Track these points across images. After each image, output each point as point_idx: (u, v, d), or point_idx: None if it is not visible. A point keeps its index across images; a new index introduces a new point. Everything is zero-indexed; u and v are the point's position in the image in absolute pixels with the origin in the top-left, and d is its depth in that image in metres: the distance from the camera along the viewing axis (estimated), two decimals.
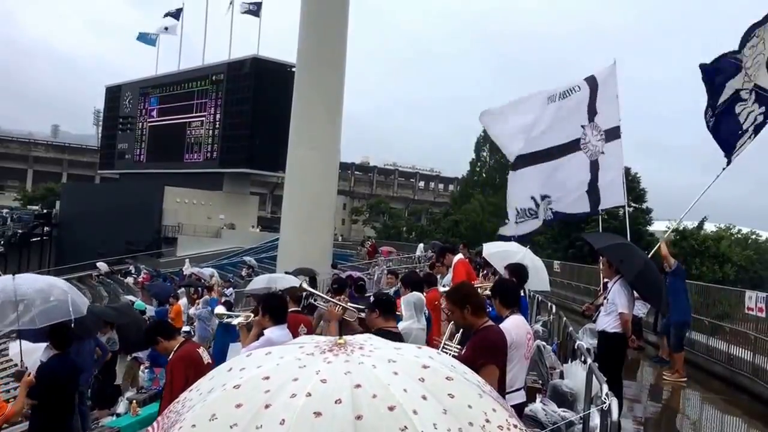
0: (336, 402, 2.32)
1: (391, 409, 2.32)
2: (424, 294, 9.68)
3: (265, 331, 7.99)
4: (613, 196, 14.49)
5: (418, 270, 22.58)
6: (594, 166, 14.17)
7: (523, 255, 12.70)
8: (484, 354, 5.88)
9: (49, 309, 9.23)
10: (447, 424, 2.32)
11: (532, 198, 14.22)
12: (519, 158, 14.38)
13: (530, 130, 14.31)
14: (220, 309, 13.29)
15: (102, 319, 12.90)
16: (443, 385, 2.49)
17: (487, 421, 2.42)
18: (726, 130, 12.48)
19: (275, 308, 8.16)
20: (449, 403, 2.41)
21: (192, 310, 20.25)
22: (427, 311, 9.28)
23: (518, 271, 9.52)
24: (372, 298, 7.93)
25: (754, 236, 62.65)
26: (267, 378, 2.47)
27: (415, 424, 2.29)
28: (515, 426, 2.50)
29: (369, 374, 2.46)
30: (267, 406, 2.34)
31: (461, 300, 6.12)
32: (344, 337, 2.76)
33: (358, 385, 2.39)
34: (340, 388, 2.38)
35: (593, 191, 14.15)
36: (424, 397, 2.39)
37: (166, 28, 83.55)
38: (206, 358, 7.51)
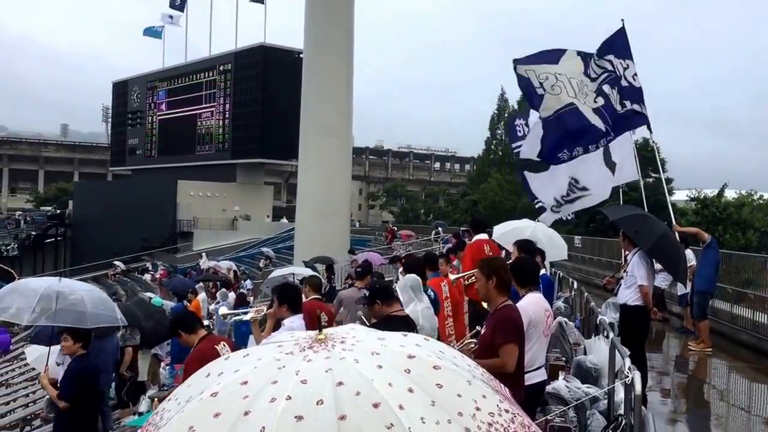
0: (318, 403, 2.24)
1: (375, 406, 2.24)
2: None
3: (285, 321, 7.97)
4: (626, 172, 14.49)
5: (436, 252, 22.46)
6: (606, 152, 14.28)
7: (533, 229, 12.58)
8: (504, 334, 5.89)
9: (99, 314, 9.25)
10: (435, 417, 2.25)
11: (570, 183, 14.42)
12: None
13: None
14: (223, 309, 13.20)
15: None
16: (430, 375, 2.41)
17: (477, 409, 2.35)
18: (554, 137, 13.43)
19: (292, 298, 8.15)
20: (437, 394, 2.33)
21: (212, 306, 20.19)
22: (433, 293, 9.15)
23: (526, 248, 9.34)
24: (366, 292, 7.82)
25: None
26: (245, 383, 2.38)
27: (401, 420, 2.21)
28: (507, 411, 2.43)
29: (351, 370, 2.38)
30: (246, 413, 2.25)
31: (490, 271, 6.18)
32: (325, 331, 2.65)
33: (340, 383, 2.31)
34: (321, 388, 2.29)
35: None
36: (410, 390, 2.32)
37: (171, 17, 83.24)
38: (226, 354, 7.33)
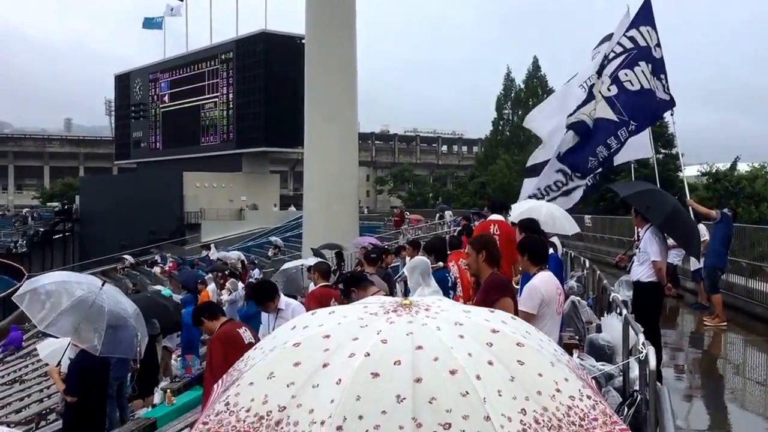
0: (395, 363, 2.28)
1: (452, 373, 2.26)
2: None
3: (281, 306, 8.63)
4: (638, 149, 14.34)
5: (446, 237, 22.35)
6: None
7: (548, 207, 12.51)
8: (495, 290, 6.34)
9: (114, 342, 9.11)
10: (513, 392, 2.26)
11: (560, 170, 14.20)
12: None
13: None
14: None
15: None
16: (512, 352, 2.41)
17: (558, 390, 2.34)
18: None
19: (265, 291, 8.85)
20: (517, 371, 2.33)
21: (225, 297, 20.13)
22: (452, 277, 9.06)
23: (529, 227, 9.21)
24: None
25: None
26: (327, 336, 2.48)
27: (477, 389, 2.22)
28: (588, 397, 2.41)
29: (432, 336, 2.40)
30: (325, 365, 2.35)
31: (480, 246, 6.71)
32: (410, 298, 2.69)
33: (420, 347, 2.34)
34: (401, 350, 2.33)
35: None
36: (490, 363, 2.33)
37: (172, 9, 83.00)
38: (247, 338, 7.66)
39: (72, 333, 9.02)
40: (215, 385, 2.75)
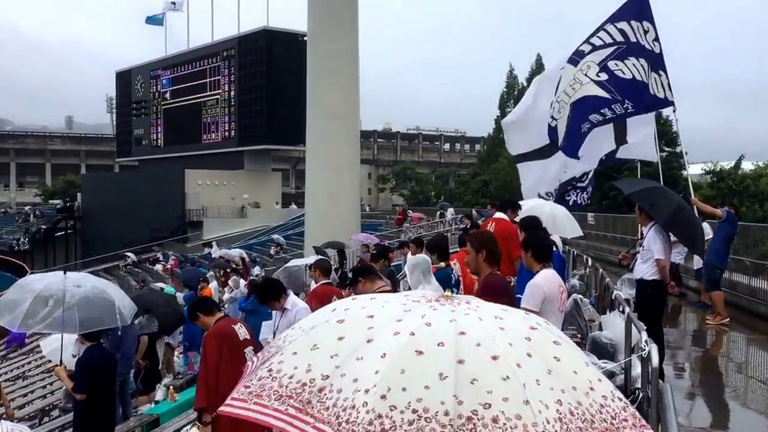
0: (439, 345, 2.38)
1: (494, 358, 2.36)
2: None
3: (287, 306, 8.57)
4: (644, 149, 14.27)
5: (448, 235, 22.34)
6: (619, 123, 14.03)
7: (551, 206, 12.49)
8: (490, 295, 6.08)
9: (92, 318, 9.04)
10: (550, 383, 2.34)
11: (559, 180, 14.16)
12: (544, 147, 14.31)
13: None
14: None
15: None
16: (549, 348, 2.52)
17: (591, 389, 2.43)
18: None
19: (271, 289, 8.67)
20: (554, 365, 2.43)
21: (226, 295, 20.14)
22: (455, 275, 9.02)
23: (530, 225, 9.17)
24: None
25: None
26: (371, 316, 2.61)
27: (518, 375, 2.32)
28: (620, 399, 2.51)
29: (474, 325, 2.51)
30: (369, 341, 2.47)
31: (480, 245, 6.62)
32: (448, 293, 2.81)
33: (463, 333, 2.44)
34: (444, 333, 2.43)
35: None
36: (529, 354, 2.42)
37: (174, 3, 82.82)
38: (242, 334, 7.68)
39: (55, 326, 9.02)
40: (248, 365, 2.86)
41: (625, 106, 12.84)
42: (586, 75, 12.98)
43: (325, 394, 2.40)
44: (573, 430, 2.28)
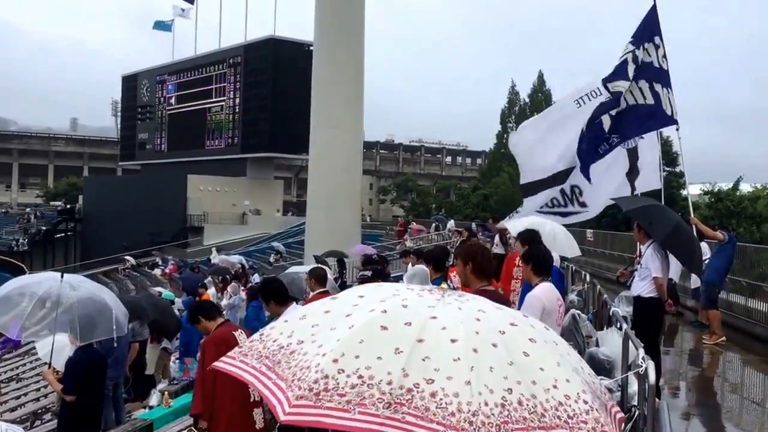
0: (406, 324, 2.58)
1: (453, 341, 2.51)
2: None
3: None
4: (649, 179, 14.16)
5: (448, 246, 22.38)
6: (632, 154, 13.82)
7: (552, 225, 12.36)
8: None
9: (90, 324, 9.06)
10: (506, 373, 2.46)
11: (561, 190, 13.88)
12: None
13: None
14: None
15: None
16: (522, 343, 2.64)
17: (554, 387, 2.51)
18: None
19: (275, 291, 8.32)
20: (519, 359, 2.54)
21: (224, 301, 20.17)
22: (452, 286, 9.04)
23: (530, 238, 9.18)
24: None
25: None
26: (362, 296, 2.90)
27: (469, 359, 2.46)
28: (585, 402, 2.55)
29: (450, 312, 2.69)
30: (348, 315, 2.72)
31: (466, 257, 6.40)
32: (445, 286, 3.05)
33: (434, 317, 2.63)
34: (416, 315, 2.64)
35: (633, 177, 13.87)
36: (494, 345, 2.55)
37: (183, 10, 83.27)
38: (243, 341, 7.47)
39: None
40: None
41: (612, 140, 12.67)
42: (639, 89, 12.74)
43: (293, 356, 2.64)
44: (516, 418, 2.37)
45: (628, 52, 12.68)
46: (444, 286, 3.01)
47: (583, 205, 13.87)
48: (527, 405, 2.40)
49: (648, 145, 13.84)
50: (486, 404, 2.35)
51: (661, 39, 12.79)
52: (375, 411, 2.34)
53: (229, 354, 2.96)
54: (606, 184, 13.69)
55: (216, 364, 2.97)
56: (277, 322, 3.05)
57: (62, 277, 9.45)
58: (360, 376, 2.42)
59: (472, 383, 2.39)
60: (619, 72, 12.71)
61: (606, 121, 12.55)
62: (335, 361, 2.47)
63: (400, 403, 2.34)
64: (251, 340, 2.92)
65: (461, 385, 2.38)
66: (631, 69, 12.51)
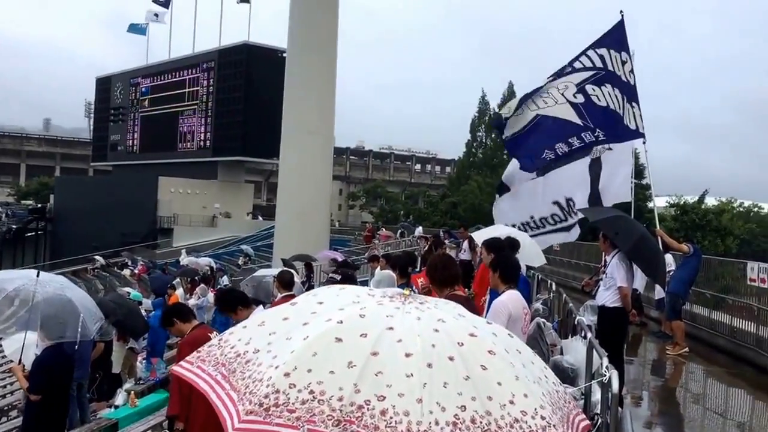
0: (361, 335, 2.54)
1: (407, 355, 2.47)
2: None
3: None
4: (619, 192, 14.25)
5: (416, 253, 22.44)
6: (595, 164, 13.89)
7: (517, 234, 12.41)
8: None
9: (56, 327, 9.01)
10: (461, 388, 2.43)
11: (556, 203, 13.86)
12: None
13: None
14: None
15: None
16: (480, 356, 2.59)
17: (511, 402, 2.48)
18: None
19: (236, 298, 8.41)
20: (476, 373, 2.51)
21: (192, 301, 20.09)
22: (416, 290, 9.06)
23: (495, 246, 9.25)
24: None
25: (756, 209, 62.63)
26: (321, 303, 2.84)
27: (422, 375, 2.42)
28: (543, 417, 2.52)
29: (407, 322, 2.64)
30: (305, 324, 2.68)
31: (428, 269, 6.61)
32: (407, 292, 2.95)
33: (391, 328, 2.59)
34: (372, 326, 2.60)
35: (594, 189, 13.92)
36: (450, 358, 2.52)
37: (156, 15, 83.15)
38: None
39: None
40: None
41: (596, 134, 12.64)
42: (563, 95, 12.78)
43: (248, 366, 2.60)
44: None
45: (589, 49, 12.90)
46: (407, 291, 2.83)
47: (576, 213, 13.93)
48: (480, 423, 2.37)
49: (618, 156, 13.95)
50: (437, 423, 2.32)
51: (629, 54, 12.92)
52: (324, 428, 2.32)
53: (187, 359, 2.92)
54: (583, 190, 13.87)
55: (174, 368, 2.98)
56: (237, 327, 2.96)
57: (38, 275, 9.41)
58: (311, 392, 2.39)
59: (424, 401, 2.35)
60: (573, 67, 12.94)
61: (567, 114, 12.67)
62: (287, 375, 2.44)
63: (350, 421, 2.32)
64: (210, 345, 2.88)
65: (412, 403, 2.35)
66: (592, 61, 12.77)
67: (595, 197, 13.75)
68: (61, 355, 9.06)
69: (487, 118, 69.82)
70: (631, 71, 12.97)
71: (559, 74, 13.14)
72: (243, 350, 2.71)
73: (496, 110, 69.75)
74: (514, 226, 13.67)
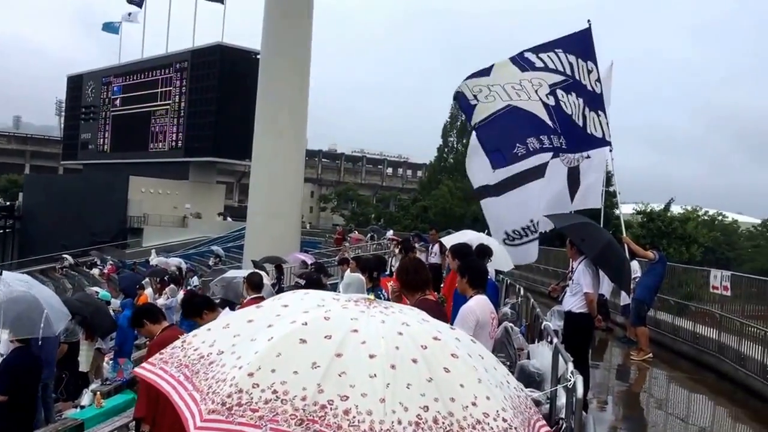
0: (326, 337, 2.55)
1: (371, 357, 2.49)
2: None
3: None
4: (590, 199, 14.33)
5: (386, 256, 22.51)
6: (573, 173, 13.98)
7: (487, 240, 12.51)
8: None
9: (19, 324, 8.98)
10: (424, 390, 2.45)
11: (531, 220, 13.79)
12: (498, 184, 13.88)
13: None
14: None
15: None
16: (443, 359, 2.61)
17: (473, 404, 2.49)
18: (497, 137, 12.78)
19: (201, 302, 8.42)
20: (439, 375, 2.52)
21: (161, 301, 19.99)
22: (384, 293, 9.15)
23: (462, 252, 9.33)
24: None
25: (720, 218, 63.49)
26: (286, 306, 2.85)
27: (386, 375, 2.45)
28: (504, 420, 2.53)
29: (372, 325, 2.66)
30: (269, 326, 2.68)
31: (398, 273, 6.60)
32: (371, 297, 2.99)
33: (355, 331, 2.60)
34: (337, 328, 2.61)
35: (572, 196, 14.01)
36: (414, 360, 2.53)
37: (129, 14, 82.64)
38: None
39: None
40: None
41: (560, 141, 12.56)
42: (536, 92, 12.55)
43: (212, 367, 2.62)
44: None
45: (559, 48, 12.90)
46: (371, 296, 2.87)
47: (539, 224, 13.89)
48: (443, 423, 2.39)
49: (595, 165, 14.09)
50: (399, 422, 2.34)
51: (595, 63, 12.96)
52: (287, 428, 2.33)
53: (150, 360, 2.91)
54: (547, 198, 13.88)
55: (137, 370, 2.92)
56: (201, 329, 2.94)
57: (0, 273, 9.38)
58: (274, 391, 2.40)
59: (387, 401, 2.38)
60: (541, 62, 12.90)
61: (540, 112, 12.64)
62: (251, 375, 2.45)
63: (313, 420, 2.34)
64: (173, 347, 2.87)
65: (375, 402, 2.37)
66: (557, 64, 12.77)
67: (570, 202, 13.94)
68: (28, 356, 9.05)
69: (458, 123, 70.05)
70: (597, 80, 12.98)
71: (529, 64, 12.89)
72: (207, 352, 2.70)
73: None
74: (514, 231, 13.72)
